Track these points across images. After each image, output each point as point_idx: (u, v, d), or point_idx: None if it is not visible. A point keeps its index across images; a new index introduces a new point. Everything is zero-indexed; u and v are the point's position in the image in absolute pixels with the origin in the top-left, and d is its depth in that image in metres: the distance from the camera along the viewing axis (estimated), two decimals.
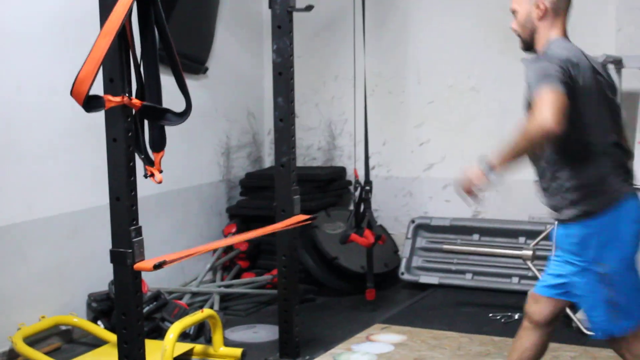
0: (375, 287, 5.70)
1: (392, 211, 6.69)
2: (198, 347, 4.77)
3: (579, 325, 4.93)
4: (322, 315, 5.58)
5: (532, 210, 5.96)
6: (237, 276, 6.23)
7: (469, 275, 6.13)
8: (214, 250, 6.12)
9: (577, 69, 3.24)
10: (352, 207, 6.21)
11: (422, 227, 6.40)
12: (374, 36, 6.22)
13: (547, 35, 3.40)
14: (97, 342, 4.94)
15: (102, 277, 4.94)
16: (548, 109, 3.01)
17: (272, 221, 4.56)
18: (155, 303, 5.14)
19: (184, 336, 4.85)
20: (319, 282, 6.02)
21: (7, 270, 4.74)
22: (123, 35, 3.24)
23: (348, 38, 5.98)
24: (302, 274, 5.87)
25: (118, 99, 3.24)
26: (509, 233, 6.12)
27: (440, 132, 6.49)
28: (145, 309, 4.94)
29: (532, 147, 3.13)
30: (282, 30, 4.52)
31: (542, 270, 5.29)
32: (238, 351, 4.67)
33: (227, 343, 4.84)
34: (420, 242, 6.39)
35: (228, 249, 6.26)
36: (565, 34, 3.42)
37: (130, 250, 3.36)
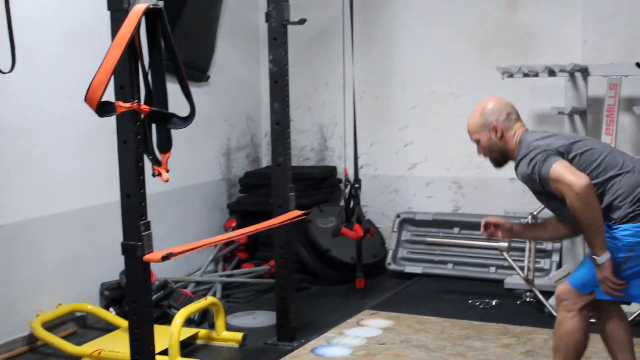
0: (365, 277, 5.69)
1: (379, 207, 6.70)
2: (202, 332, 4.78)
3: (551, 310, 4.95)
4: (316, 302, 5.58)
5: (507, 206, 5.99)
6: (237, 267, 6.22)
7: (450, 265, 6.15)
8: None
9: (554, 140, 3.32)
10: (342, 203, 6.21)
11: (407, 221, 6.41)
12: (362, 47, 6.22)
13: (514, 140, 3.43)
14: (109, 327, 4.95)
15: (113, 267, 4.95)
16: (568, 176, 3.12)
17: (270, 216, 4.56)
18: (162, 291, 5.13)
19: (189, 322, 4.85)
20: (312, 272, 6.03)
21: (26, 261, 4.75)
22: (132, 47, 3.25)
23: (338, 48, 5.98)
24: (297, 264, 5.89)
25: (128, 104, 3.25)
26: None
27: (423, 134, 6.50)
28: (154, 297, 4.94)
29: (592, 211, 3.15)
30: (278, 41, 4.51)
31: (516, 260, 5.34)
32: (239, 335, 4.69)
33: (229, 328, 4.85)
34: (405, 235, 6.39)
35: (229, 241, 6.26)
36: (526, 129, 3.46)
37: (140, 243, 3.37)
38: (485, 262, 6.05)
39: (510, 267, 5.50)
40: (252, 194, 6.54)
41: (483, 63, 6.15)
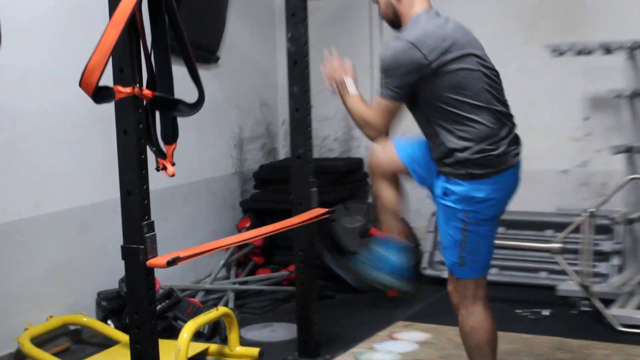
0: None
1: (413, 203, 6.63)
2: (213, 347, 4.78)
3: (611, 322, 4.92)
4: (342, 312, 5.59)
5: (560, 202, 5.96)
6: (252, 272, 6.25)
7: (495, 270, 6.13)
8: None
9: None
10: (370, 200, 6.21)
11: None
12: None
13: (412, 11, 3.54)
14: (107, 342, 4.96)
15: (111, 274, 4.97)
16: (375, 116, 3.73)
17: (288, 215, 4.57)
18: (167, 301, 5.15)
19: (198, 335, 4.87)
20: (338, 278, 6.03)
21: (13, 268, 4.77)
22: (133, 24, 3.24)
23: (364, 25, 5.98)
24: (320, 269, 5.88)
25: (128, 89, 3.25)
26: (536, 225, 6.11)
27: None
28: (158, 308, 4.94)
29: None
30: (297, 18, 4.52)
31: (571, 264, 5.31)
32: (255, 351, 4.68)
33: (243, 342, 4.85)
34: None
35: (242, 244, 6.26)
36: (429, 7, 3.58)
37: (142, 246, 3.36)
38: (534, 266, 6.04)
39: (564, 272, 5.47)
40: (268, 190, 6.56)
41: (528, 40, 6.11)
